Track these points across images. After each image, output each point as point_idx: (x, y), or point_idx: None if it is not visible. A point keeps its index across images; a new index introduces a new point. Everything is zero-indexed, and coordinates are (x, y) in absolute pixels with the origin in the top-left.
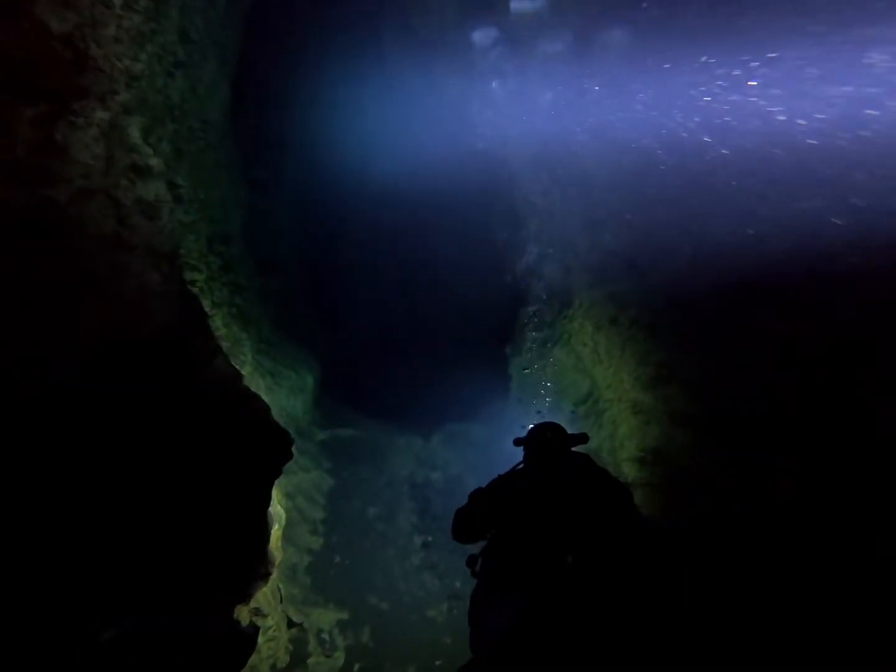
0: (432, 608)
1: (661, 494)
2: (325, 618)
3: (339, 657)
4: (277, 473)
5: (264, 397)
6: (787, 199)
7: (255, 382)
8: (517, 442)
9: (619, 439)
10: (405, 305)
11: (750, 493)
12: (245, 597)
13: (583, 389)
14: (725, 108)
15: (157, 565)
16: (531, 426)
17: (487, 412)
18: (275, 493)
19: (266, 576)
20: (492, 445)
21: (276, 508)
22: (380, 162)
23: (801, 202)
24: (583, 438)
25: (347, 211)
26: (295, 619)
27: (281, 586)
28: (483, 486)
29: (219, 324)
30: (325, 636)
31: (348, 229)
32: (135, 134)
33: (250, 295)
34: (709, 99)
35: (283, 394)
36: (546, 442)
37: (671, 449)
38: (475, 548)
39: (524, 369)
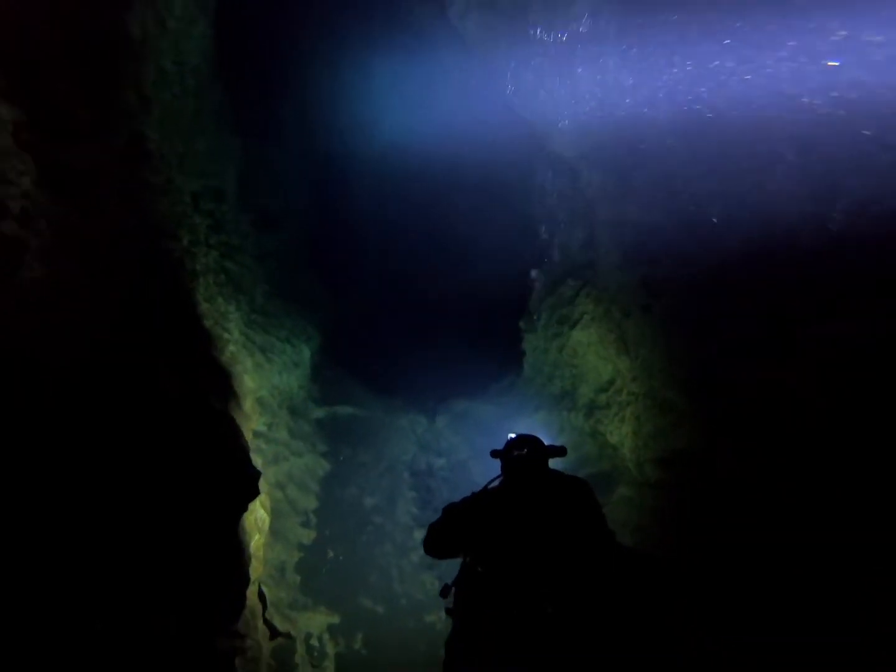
0: (431, 613)
1: (684, 498)
2: (315, 622)
3: (329, 667)
4: (243, 510)
5: (251, 378)
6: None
7: (241, 363)
8: (494, 454)
9: (643, 437)
10: (414, 267)
11: (783, 510)
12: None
13: (604, 377)
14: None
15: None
16: (509, 437)
17: (497, 388)
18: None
19: (240, 609)
20: (501, 429)
21: (259, 513)
22: (393, 109)
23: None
24: (561, 452)
25: (355, 161)
26: (280, 627)
27: (265, 590)
28: (457, 501)
29: (199, 298)
30: (315, 643)
31: (355, 181)
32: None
33: (243, 257)
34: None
35: (274, 371)
36: (521, 460)
37: (701, 453)
38: (449, 575)
39: (537, 349)
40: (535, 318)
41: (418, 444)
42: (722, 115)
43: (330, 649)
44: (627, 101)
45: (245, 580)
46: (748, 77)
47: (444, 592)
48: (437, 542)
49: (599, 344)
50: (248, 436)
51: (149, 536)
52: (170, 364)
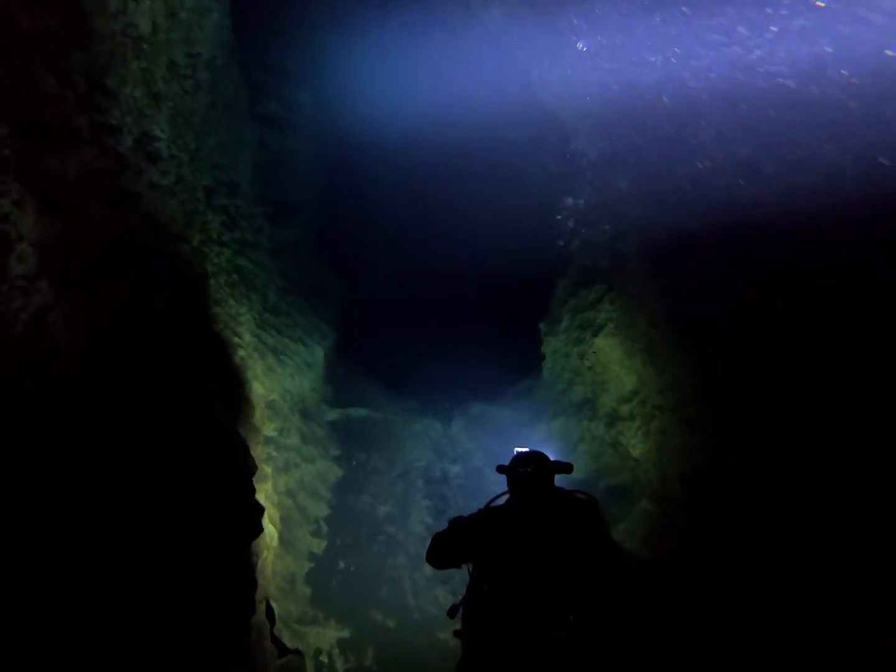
0: (444, 630)
1: (709, 517)
2: (325, 637)
3: None
4: (245, 544)
5: (261, 384)
6: None
7: (252, 368)
8: (500, 469)
9: (668, 453)
10: (431, 262)
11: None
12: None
13: (627, 387)
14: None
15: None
16: (515, 451)
17: (514, 392)
18: (267, 503)
19: (247, 635)
20: (518, 435)
21: (268, 529)
22: (411, 98)
23: None
24: (567, 469)
25: (374, 151)
26: (289, 643)
27: (274, 605)
28: (465, 515)
29: (209, 302)
30: (324, 659)
31: (372, 171)
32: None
33: (257, 253)
34: None
35: (287, 374)
36: (526, 478)
37: (729, 473)
38: (462, 590)
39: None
40: (556, 320)
41: (433, 450)
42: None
43: (340, 666)
44: (659, 97)
45: (251, 607)
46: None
47: (451, 613)
48: (440, 553)
49: (624, 354)
50: (257, 449)
51: (147, 565)
52: (173, 378)
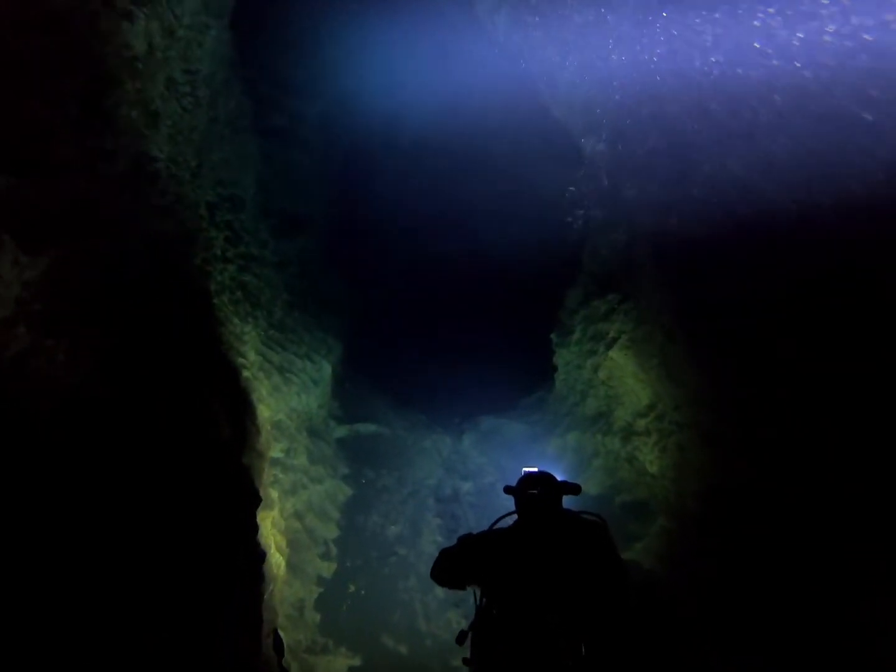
0: (456, 657)
1: (729, 536)
2: (335, 666)
3: None
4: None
5: (266, 406)
6: None
7: (257, 390)
8: (507, 490)
9: (687, 470)
10: (439, 272)
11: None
12: None
13: (643, 401)
14: None
15: None
16: (523, 471)
17: (526, 404)
18: (274, 530)
19: None
20: (530, 451)
21: (275, 559)
22: (417, 106)
23: None
24: (574, 490)
25: (381, 161)
26: None
27: (282, 634)
28: (474, 534)
29: (211, 322)
30: None
31: (379, 179)
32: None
33: (262, 268)
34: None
35: (293, 392)
36: (533, 500)
37: (751, 491)
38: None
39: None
40: (568, 331)
41: (444, 467)
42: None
43: None
44: (671, 95)
45: (255, 648)
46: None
47: (460, 639)
48: (446, 571)
49: (639, 367)
50: (262, 477)
51: (140, 610)
52: (173, 408)
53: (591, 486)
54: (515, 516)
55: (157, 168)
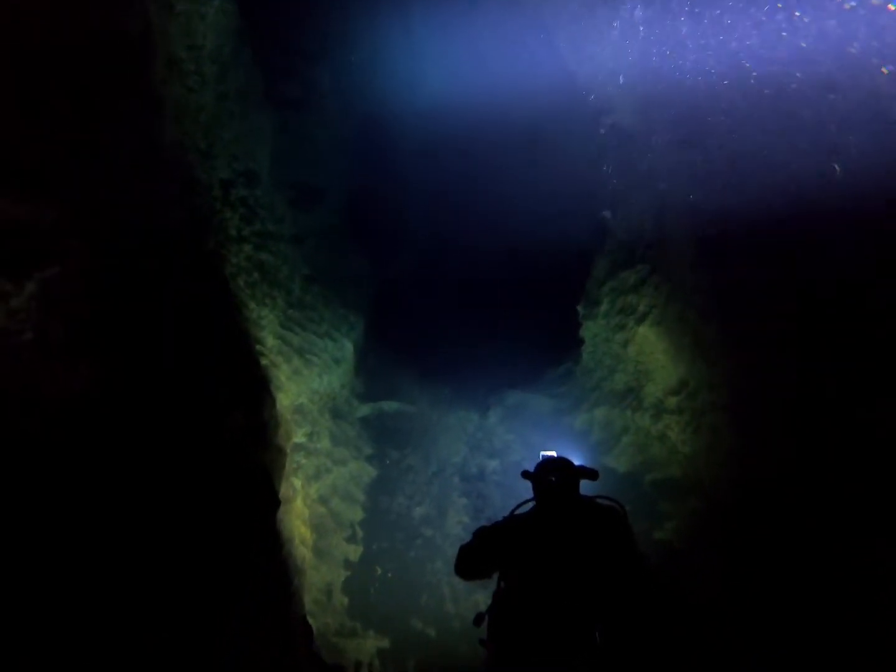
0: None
1: (765, 527)
2: (364, 648)
3: None
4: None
5: (285, 394)
6: None
7: (276, 377)
8: (525, 475)
9: (720, 453)
10: (462, 240)
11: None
12: None
13: (674, 378)
14: None
15: None
16: (541, 455)
17: (552, 376)
18: (297, 521)
19: None
20: (557, 426)
21: (299, 551)
22: (437, 68)
23: None
24: (592, 475)
25: (401, 127)
26: (328, 659)
27: (311, 621)
28: (488, 525)
29: (228, 310)
30: (365, 671)
31: (399, 147)
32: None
33: (279, 245)
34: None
35: (314, 374)
36: (551, 488)
37: (791, 481)
38: (483, 602)
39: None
40: (595, 303)
41: (469, 445)
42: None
43: None
44: (702, 60)
45: (286, 640)
46: None
47: (477, 621)
48: (467, 565)
49: (670, 344)
50: (282, 472)
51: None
52: (185, 414)
53: (620, 464)
54: (533, 502)
55: (162, 158)
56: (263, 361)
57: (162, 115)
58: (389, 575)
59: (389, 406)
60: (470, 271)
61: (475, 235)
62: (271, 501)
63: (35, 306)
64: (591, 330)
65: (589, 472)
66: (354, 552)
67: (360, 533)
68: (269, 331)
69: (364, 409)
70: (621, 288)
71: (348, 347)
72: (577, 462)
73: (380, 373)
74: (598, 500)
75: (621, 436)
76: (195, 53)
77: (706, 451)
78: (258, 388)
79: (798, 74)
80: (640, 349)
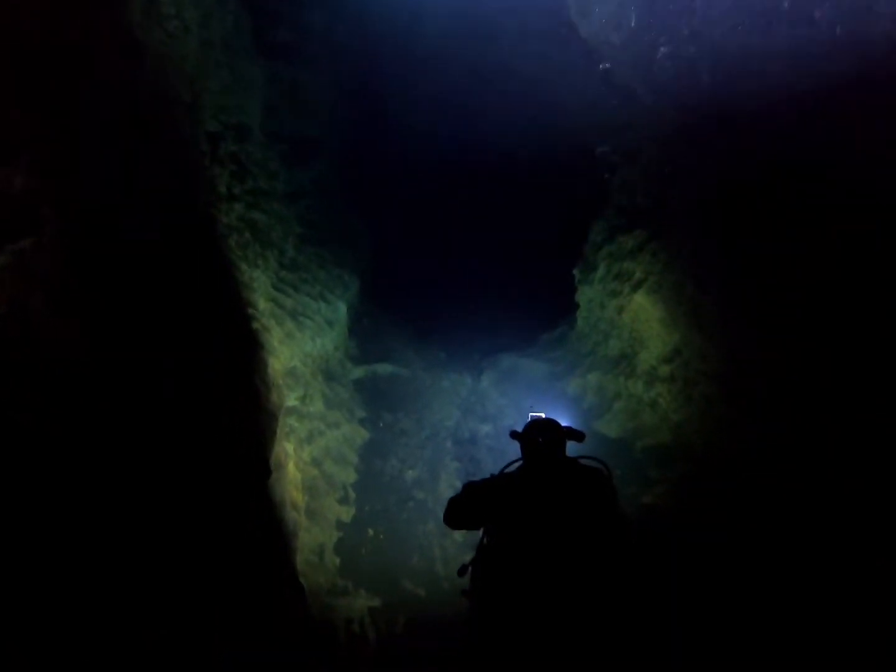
0: None
1: (754, 494)
2: (355, 607)
3: (369, 654)
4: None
5: (277, 360)
6: None
7: (268, 341)
8: (513, 435)
9: (711, 422)
10: (463, 195)
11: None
12: None
13: (668, 346)
14: None
15: None
16: (530, 416)
17: (547, 340)
18: (290, 487)
19: None
20: (551, 390)
21: (291, 515)
22: (431, 13)
23: None
24: (578, 437)
25: (397, 72)
26: (319, 616)
27: (303, 581)
28: (478, 480)
29: (218, 273)
30: (355, 628)
31: (398, 96)
32: None
33: (272, 203)
34: None
35: (307, 337)
36: (537, 448)
37: (783, 452)
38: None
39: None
40: (591, 267)
41: (462, 409)
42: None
43: (371, 634)
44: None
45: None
46: None
47: (461, 572)
48: (455, 516)
49: (666, 313)
50: (273, 440)
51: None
52: (170, 376)
53: (612, 429)
54: (518, 466)
55: (139, 114)
56: (255, 325)
57: (141, 65)
58: (381, 537)
59: (383, 369)
60: (467, 230)
61: (473, 193)
62: (262, 470)
63: (10, 279)
64: (586, 295)
65: (576, 434)
66: (346, 513)
67: (352, 494)
68: (260, 293)
69: (357, 372)
70: (619, 253)
71: (342, 309)
72: (565, 424)
73: (374, 335)
74: (585, 461)
75: (613, 401)
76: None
77: (699, 419)
78: (250, 354)
79: None
80: (636, 316)
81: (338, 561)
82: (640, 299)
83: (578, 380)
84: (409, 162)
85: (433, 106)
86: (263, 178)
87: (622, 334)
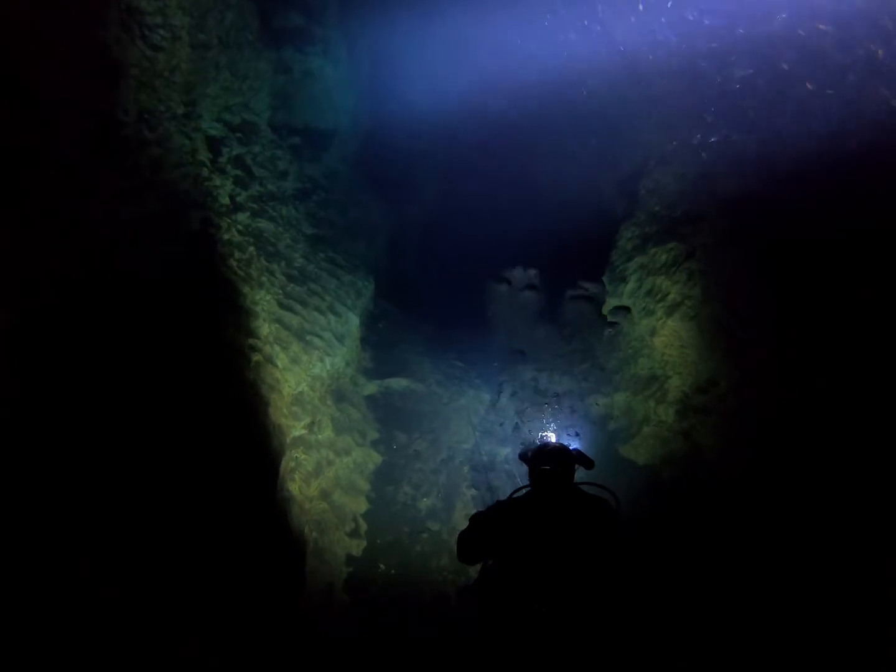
0: None
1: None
2: (365, 646)
3: None
4: None
5: (282, 389)
6: None
7: (271, 373)
8: (522, 458)
9: (747, 455)
10: (483, 188)
11: None
12: None
13: (703, 376)
14: None
15: None
16: (540, 437)
17: (570, 351)
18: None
19: None
20: (575, 410)
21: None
22: None
23: None
24: (588, 464)
25: (415, 59)
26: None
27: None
28: (482, 509)
29: (217, 305)
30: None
31: (417, 84)
32: None
33: (281, 206)
34: None
35: (314, 359)
36: (545, 475)
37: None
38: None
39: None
40: (620, 278)
41: (480, 428)
42: None
43: None
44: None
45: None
46: None
47: (462, 593)
48: (467, 552)
49: (702, 342)
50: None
51: None
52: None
53: (639, 455)
54: (526, 493)
55: (123, 136)
56: (256, 358)
57: (118, 86)
58: (393, 572)
59: (398, 384)
60: (487, 223)
61: (497, 185)
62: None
63: None
64: (613, 308)
65: (585, 461)
66: (357, 547)
67: (363, 526)
68: (264, 318)
69: (370, 387)
70: (651, 266)
71: (353, 321)
72: (578, 445)
73: (388, 342)
74: (593, 489)
75: (642, 426)
76: (159, 3)
77: (731, 453)
78: (248, 399)
79: None
80: (669, 341)
81: (347, 600)
82: (675, 325)
83: (605, 399)
84: (429, 149)
85: (457, 89)
86: (271, 179)
87: (653, 354)
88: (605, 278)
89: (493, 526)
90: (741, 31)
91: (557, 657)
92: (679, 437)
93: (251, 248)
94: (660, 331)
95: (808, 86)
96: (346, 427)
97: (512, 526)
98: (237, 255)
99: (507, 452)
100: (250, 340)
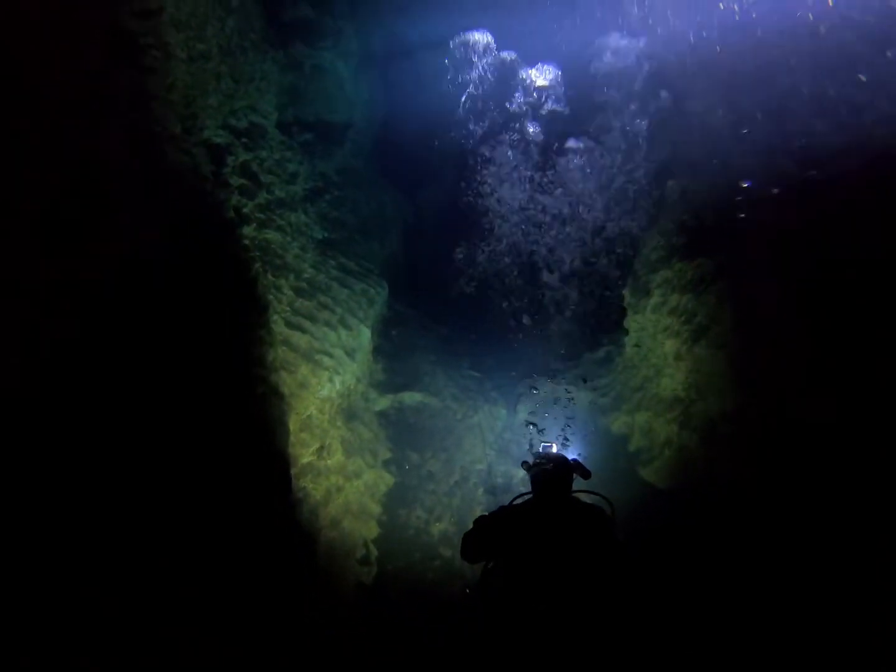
0: None
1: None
2: None
3: None
4: None
5: (286, 417)
6: None
7: (276, 402)
8: (525, 465)
9: (776, 486)
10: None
11: None
12: None
13: (731, 404)
14: None
15: None
16: (539, 450)
17: (591, 360)
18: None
19: None
20: (593, 425)
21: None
22: None
23: None
24: (585, 474)
25: (428, 49)
26: None
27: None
28: (487, 514)
29: (219, 331)
30: None
31: (430, 75)
32: None
33: (290, 213)
34: None
35: (323, 380)
36: (545, 475)
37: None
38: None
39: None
40: (644, 290)
41: (496, 447)
42: None
43: None
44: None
45: None
46: None
47: (465, 596)
48: (470, 551)
49: (731, 370)
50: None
51: None
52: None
53: (661, 479)
54: (528, 499)
55: (110, 171)
56: (261, 389)
57: (104, 115)
58: (403, 600)
59: (411, 398)
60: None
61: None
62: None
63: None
64: (637, 322)
65: (582, 471)
66: (367, 574)
67: (374, 552)
68: (269, 342)
69: (382, 402)
70: (677, 282)
71: (365, 334)
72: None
73: (401, 351)
74: (588, 498)
75: (664, 448)
76: (151, 22)
77: (759, 483)
78: (259, 417)
79: None
80: (694, 367)
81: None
82: (701, 352)
83: (625, 417)
84: (442, 141)
85: (470, 79)
86: (280, 184)
87: (676, 375)
88: (626, 291)
89: (495, 529)
90: None
91: (557, 656)
92: (703, 463)
93: (258, 264)
94: (685, 356)
95: None
96: (356, 448)
97: (513, 529)
98: (242, 275)
99: (522, 475)
100: (254, 370)
